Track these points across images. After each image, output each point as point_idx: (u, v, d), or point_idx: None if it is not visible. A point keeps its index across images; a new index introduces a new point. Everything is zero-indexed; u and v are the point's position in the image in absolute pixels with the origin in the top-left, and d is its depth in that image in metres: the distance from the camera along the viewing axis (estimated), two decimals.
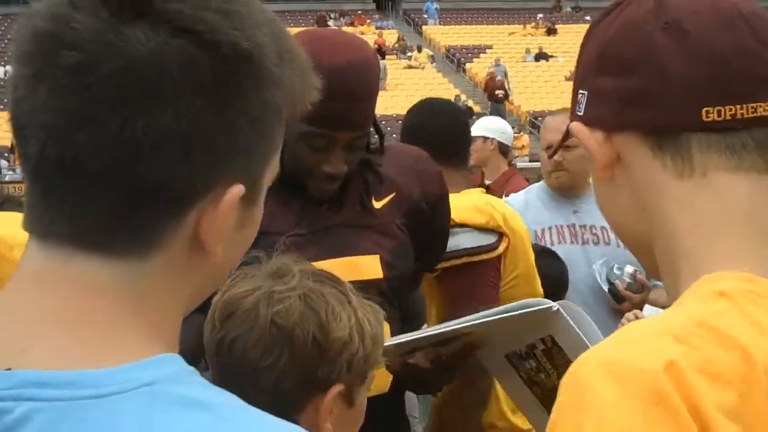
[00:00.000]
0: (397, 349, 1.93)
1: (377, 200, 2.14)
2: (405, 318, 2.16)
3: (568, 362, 1.85)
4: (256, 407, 1.44)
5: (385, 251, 2.09)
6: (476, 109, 28.04)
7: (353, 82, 1.97)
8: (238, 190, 0.83)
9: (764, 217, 1.00)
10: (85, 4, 0.79)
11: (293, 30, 2.21)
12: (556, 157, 3.58)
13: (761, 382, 0.88)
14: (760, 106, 0.99)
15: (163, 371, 0.78)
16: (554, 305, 1.83)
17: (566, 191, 3.66)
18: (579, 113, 1.07)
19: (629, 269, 3.47)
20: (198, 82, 0.79)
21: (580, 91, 1.07)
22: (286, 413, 1.39)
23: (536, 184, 3.93)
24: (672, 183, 1.01)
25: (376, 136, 2.22)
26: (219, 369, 1.46)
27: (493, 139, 5.04)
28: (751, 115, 0.99)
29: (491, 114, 30.23)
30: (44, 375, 0.76)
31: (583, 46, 1.10)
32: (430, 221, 2.20)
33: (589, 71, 1.06)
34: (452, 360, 1.97)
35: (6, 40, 36.53)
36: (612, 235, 3.58)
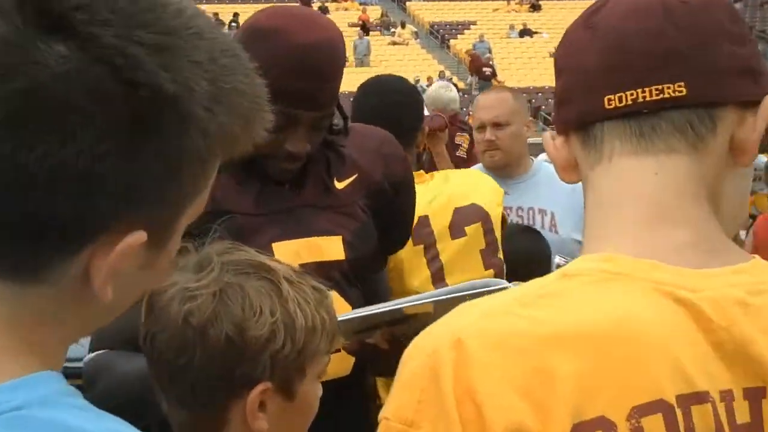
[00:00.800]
0: (346, 327, 1.91)
1: (339, 181, 2.11)
2: (368, 300, 2.14)
3: None
4: (182, 405, 1.40)
5: (347, 232, 2.07)
6: (460, 85, 27.99)
7: (319, 61, 1.95)
8: (135, 238, 0.77)
9: (666, 199, 0.99)
10: (6, 6, 0.73)
11: (274, 6, 2.17)
12: (488, 136, 3.56)
13: (560, 360, 0.88)
14: (668, 88, 0.98)
15: (34, 394, 0.75)
16: (508, 285, 1.81)
17: (500, 171, 3.59)
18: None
19: (557, 260, 3.40)
20: (108, 120, 0.73)
21: None
22: (210, 412, 1.36)
23: (475, 167, 3.87)
24: (588, 173, 1.04)
25: (340, 118, 2.19)
26: (149, 364, 1.43)
27: (435, 109, 5.05)
28: (656, 98, 0.98)
29: (480, 91, 30.19)
30: None
31: None
32: (393, 203, 2.18)
33: None
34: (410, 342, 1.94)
35: None
36: (539, 218, 3.53)
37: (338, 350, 1.97)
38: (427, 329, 0.97)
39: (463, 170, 3.33)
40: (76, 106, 0.72)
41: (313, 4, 37.45)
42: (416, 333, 1.92)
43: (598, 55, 1.00)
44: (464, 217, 2.82)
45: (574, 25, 1.06)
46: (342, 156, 2.13)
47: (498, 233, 2.91)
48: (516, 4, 38.89)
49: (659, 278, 0.94)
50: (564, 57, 1.05)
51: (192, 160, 0.79)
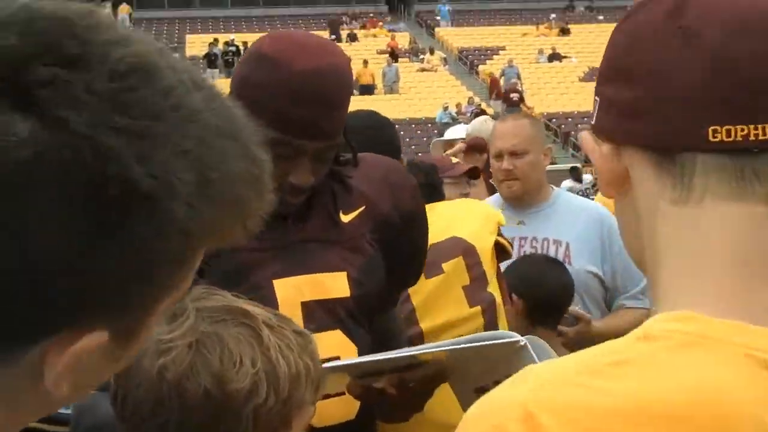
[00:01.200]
0: (352, 370, 1.81)
1: (345, 214, 2.00)
2: (379, 340, 2.03)
3: None
4: None
5: (352, 268, 1.96)
6: (489, 111, 27.91)
7: (322, 88, 1.84)
8: (93, 339, 0.67)
9: (761, 257, 0.85)
10: None
11: (280, 31, 2.08)
12: (505, 165, 3.41)
13: None
14: None
15: None
16: (521, 339, 1.71)
17: (518, 200, 3.47)
18: (592, 121, 0.97)
19: None
20: (68, 217, 0.63)
21: (595, 97, 0.97)
22: None
23: (493, 196, 3.76)
24: (667, 207, 0.89)
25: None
26: (119, 426, 1.31)
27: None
28: None
29: None
30: None
31: (605, 49, 1.00)
32: (402, 235, 2.07)
33: (600, 77, 0.96)
34: (422, 387, 1.84)
35: None
36: (553, 248, 3.38)
37: (343, 393, 1.88)
38: (486, 397, 0.85)
39: (449, 202, 3.11)
40: (33, 197, 0.62)
41: (342, 31, 37.68)
42: (426, 379, 1.85)
43: (701, 77, 0.85)
44: (441, 252, 2.60)
45: (656, 26, 0.90)
46: (349, 187, 2.03)
47: (488, 266, 2.73)
48: (545, 28, 38.84)
49: (752, 343, 0.81)
50: (644, 62, 0.89)
51: (167, 262, 0.69)
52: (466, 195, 3.64)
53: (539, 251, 3.39)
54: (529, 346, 1.69)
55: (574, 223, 3.36)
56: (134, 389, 1.26)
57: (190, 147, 0.67)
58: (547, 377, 0.83)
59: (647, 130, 0.89)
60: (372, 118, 3.13)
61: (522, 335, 1.77)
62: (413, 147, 26.26)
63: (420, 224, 2.15)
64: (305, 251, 1.94)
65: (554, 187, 3.64)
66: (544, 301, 3.11)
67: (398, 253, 2.06)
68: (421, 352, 1.78)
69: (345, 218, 2.00)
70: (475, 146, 4.99)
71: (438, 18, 41.22)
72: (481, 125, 5.62)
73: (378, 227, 2.02)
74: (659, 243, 0.90)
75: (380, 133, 2.92)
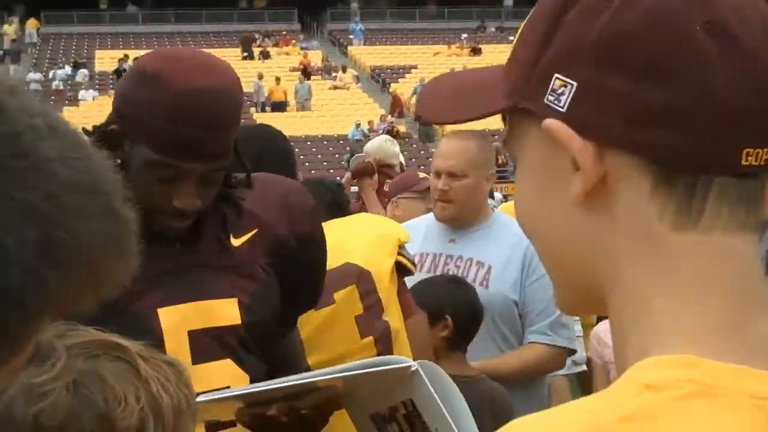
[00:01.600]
0: (237, 400, 1.75)
1: (236, 238, 1.92)
2: (276, 367, 1.96)
3: (426, 430, 1.69)
4: None
5: (243, 294, 1.88)
6: (401, 129, 28.01)
7: (207, 108, 1.75)
8: None
9: (758, 287, 0.76)
10: None
11: (218, 52, 1.99)
12: (441, 186, 3.33)
13: None
14: None
15: None
16: (413, 365, 1.66)
17: (451, 221, 3.40)
18: (559, 108, 0.77)
19: None
20: None
21: (560, 77, 0.77)
22: None
23: (422, 217, 3.71)
24: (664, 233, 0.76)
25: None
26: None
27: (374, 158, 5.07)
28: None
29: (420, 135, 30.28)
30: None
31: (562, 11, 0.79)
32: (300, 259, 1.99)
33: (582, 56, 0.77)
34: (315, 414, 1.77)
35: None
36: (474, 269, 3.33)
37: (234, 423, 1.81)
38: None
39: (343, 219, 2.92)
40: None
41: (254, 49, 37.48)
42: (318, 406, 1.79)
43: (743, 89, 0.74)
44: (333, 281, 2.38)
45: (677, 11, 0.75)
46: (240, 210, 1.94)
47: (384, 291, 2.62)
48: (457, 48, 39.18)
49: (759, 391, 0.71)
50: (674, 58, 0.74)
51: None
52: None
53: (461, 271, 3.34)
54: (422, 372, 1.65)
55: (502, 247, 3.32)
56: None
57: (35, 200, 0.58)
58: None
59: (663, 140, 0.74)
60: (261, 129, 3.05)
61: (436, 360, 1.74)
62: (325, 163, 26.20)
63: (318, 247, 2.08)
64: (193, 277, 1.85)
65: (495, 209, 3.59)
66: (471, 324, 3.09)
67: (295, 276, 1.98)
68: (313, 379, 1.73)
69: (236, 242, 1.92)
70: (362, 171, 5.03)
71: (351, 37, 41.30)
72: (379, 145, 5.60)
73: (272, 250, 1.95)
74: (647, 271, 0.77)
75: (270, 145, 2.79)
